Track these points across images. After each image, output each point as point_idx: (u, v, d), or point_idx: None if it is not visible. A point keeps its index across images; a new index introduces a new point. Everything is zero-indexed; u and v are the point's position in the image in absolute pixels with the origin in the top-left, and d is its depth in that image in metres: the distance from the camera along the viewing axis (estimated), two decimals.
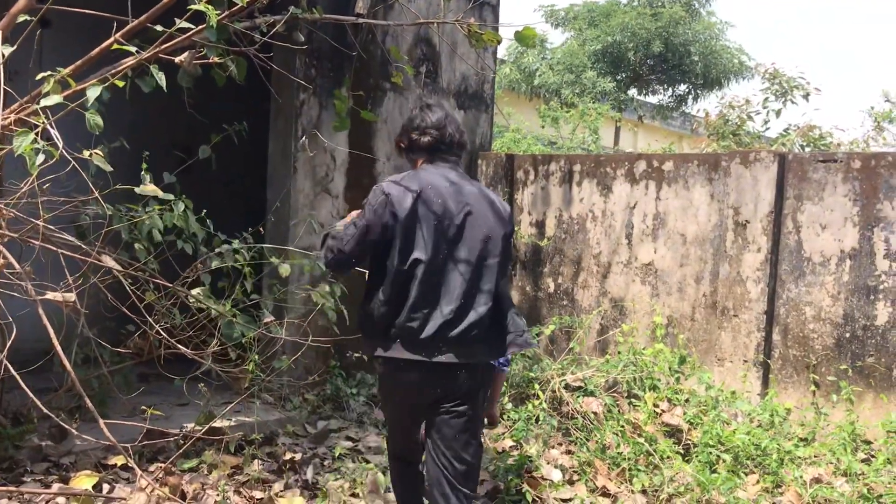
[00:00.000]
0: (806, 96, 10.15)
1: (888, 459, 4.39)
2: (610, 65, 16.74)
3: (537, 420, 4.69)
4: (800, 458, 4.52)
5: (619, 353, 5.81)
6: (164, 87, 3.11)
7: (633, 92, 17.94)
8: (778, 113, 10.45)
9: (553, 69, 16.07)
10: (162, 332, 3.65)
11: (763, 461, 4.44)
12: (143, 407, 3.82)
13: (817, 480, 4.23)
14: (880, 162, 5.19)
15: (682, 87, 18.04)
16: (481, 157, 7.08)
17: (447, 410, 2.92)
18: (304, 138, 5.44)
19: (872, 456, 4.65)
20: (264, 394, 5.03)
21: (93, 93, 2.86)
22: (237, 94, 5.77)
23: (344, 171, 5.92)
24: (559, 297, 6.65)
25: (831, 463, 4.45)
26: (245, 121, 4.87)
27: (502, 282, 3.03)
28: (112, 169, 3.07)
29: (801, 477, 4.25)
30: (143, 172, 3.66)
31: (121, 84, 3.03)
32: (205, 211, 4.24)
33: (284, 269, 4.60)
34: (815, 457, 4.54)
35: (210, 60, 3.46)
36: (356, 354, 5.21)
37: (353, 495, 3.80)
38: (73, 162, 2.74)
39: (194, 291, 4.26)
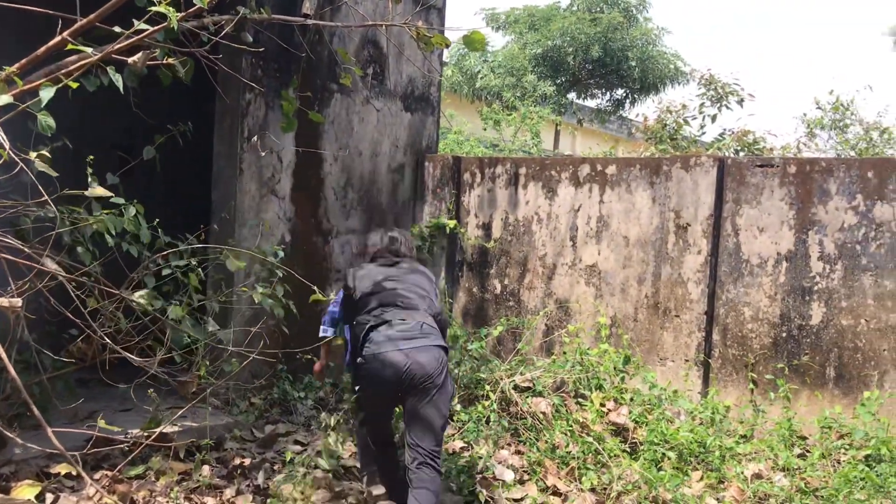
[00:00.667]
0: (740, 102, 10.44)
1: (822, 454, 4.56)
2: (550, 68, 16.95)
3: (487, 421, 4.73)
4: (740, 454, 4.66)
5: (564, 353, 5.90)
6: (121, 88, 3.04)
7: (572, 96, 18.20)
8: (713, 118, 10.72)
9: (494, 72, 16.20)
10: (105, 338, 3.56)
11: (706, 458, 4.57)
12: (93, 412, 3.71)
13: (758, 476, 4.36)
14: (815, 167, 5.38)
15: (620, 92, 18.39)
16: (428, 159, 7.10)
17: None
18: (255, 138, 5.37)
19: (808, 451, 4.82)
20: (211, 398, 4.95)
21: (46, 94, 2.78)
22: (178, 95, 5.68)
23: (290, 172, 5.87)
24: (505, 299, 6.72)
25: (770, 458, 4.60)
26: (187, 122, 4.80)
27: None
28: (57, 174, 2.99)
29: (742, 473, 4.39)
30: (89, 175, 3.57)
31: (75, 85, 2.95)
32: (145, 213, 4.15)
33: (234, 265, 4.54)
34: (754, 453, 4.69)
35: (163, 62, 3.38)
36: (306, 357, 5.17)
37: (305, 499, 3.77)
38: (20, 163, 2.65)
39: (137, 295, 4.17)
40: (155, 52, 3.45)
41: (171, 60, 3.38)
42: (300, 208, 5.96)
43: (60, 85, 2.87)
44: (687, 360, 5.72)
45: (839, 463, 4.53)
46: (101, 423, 3.44)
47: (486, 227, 6.85)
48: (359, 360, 3.63)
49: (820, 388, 5.25)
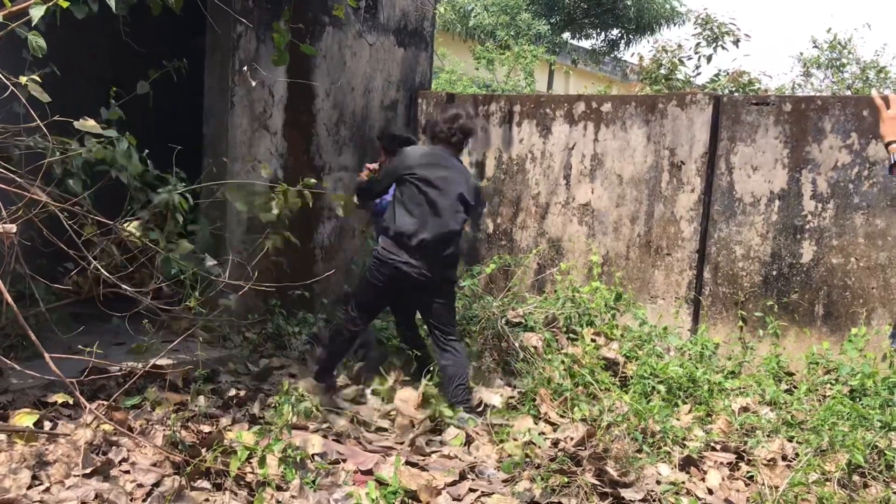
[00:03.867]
0: (736, 42, 10.36)
1: (809, 389, 4.65)
2: (545, 7, 16.68)
3: (479, 356, 4.77)
4: (728, 388, 4.74)
5: (556, 291, 5.94)
6: (114, 7, 2.97)
7: (566, 36, 17.95)
8: (709, 59, 10.65)
9: (488, 10, 15.93)
10: (101, 269, 3.56)
11: (695, 392, 4.64)
12: (80, 347, 3.73)
13: (745, 409, 4.45)
14: (810, 106, 5.36)
15: (615, 32, 18.14)
16: (421, 96, 7.02)
17: None
18: (244, 68, 5.29)
19: (795, 387, 4.91)
20: (203, 332, 4.97)
21: (36, 12, 2.72)
22: (164, 27, 5.58)
23: (283, 107, 5.80)
24: (498, 238, 6.73)
25: (758, 393, 4.69)
26: (176, 56, 4.71)
27: None
28: (49, 99, 2.94)
29: (729, 406, 4.47)
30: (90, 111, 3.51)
31: (65, 3, 2.88)
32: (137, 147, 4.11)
33: (236, 199, 4.54)
34: (742, 388, 4.76)
35: None
36: (299, 292, 5.19)
37: (298, 427, 3.82)
38: (11, 86, 2.61)
39: (130, 226, 4.16)
40: None
41: None
42: (292, 144, 5.91)
43: (51, 3, 2.80)
44: (678, 298, 5.77)
45: (825, 397, 4.62)
46: (96, 352, 3.46)
47: (480, 166, 6.82)
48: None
49: (808, 326, 5.32)
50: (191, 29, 5.62)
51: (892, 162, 2.69)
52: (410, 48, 6.95)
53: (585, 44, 18.95)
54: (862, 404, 4.20)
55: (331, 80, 6.15)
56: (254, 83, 5.27)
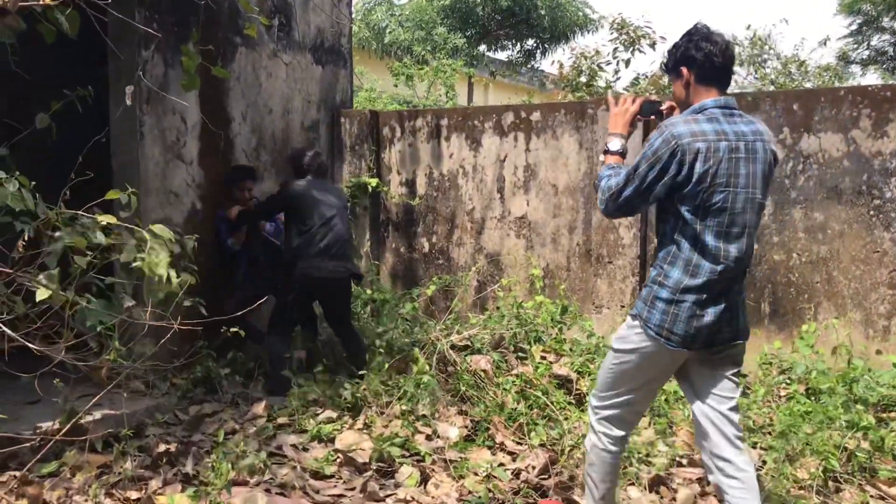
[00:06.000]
0: (653, 45, 10.38)
1: (766, 391, 4.54)
2: (459, 20, 16.61)
3: (424, 385, 4.50)
4: (683, 396, 4.58)
5: (498, 308, 5.73)
6: None
7: (482, 48, 17.92)
8: (627, 63, 10.65)
9: (403, 26, 15.77)
10: (3, 326, 3.16)
11: (651, 404, 4.47)
12: None
13: None
14: (739, 103, 5.29)
15: (530, 42, 18.21)
16: (344, 115, 6.75)
17: None
18: (130, 87, 4.93)
19: (749, 388, 4.80)
20: (128, 382, 4.57)
21: None
22: (66, 59, 5.19)
23: (197, 134, 5.44)
24: (434, 257, 6.49)
25: None
26: (82, 85, 4.33)
27: None
28: None
29: (689, 415, 4.31)
30: None
31: None
32: (34, 186, 3.72)
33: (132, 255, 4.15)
34: None
35: (40, 1, 2.96)
36: (230, 330, 4.83)
37: (238, 483, 3.49)
38: None
39: (41, 276, 3.76)
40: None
41: (49, 1, 2.95)
42: (210, 173, 5.55)
43: None
44: (623, 306, 5.63)
45: (780, 398, 4.52)
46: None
47: (410, 184, 6.58)
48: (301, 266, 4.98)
49: (756, 326, 5.23)
50: (95, 56, 5.23)
51: (605, 149, 2.88)
52: (329, 66, 6.67)
53: (501, 55, 18.99)
54: (822, 403, 4.10)
55: (246, 103, 5.82)
56: (157, 116, 4.90)
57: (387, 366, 4.71)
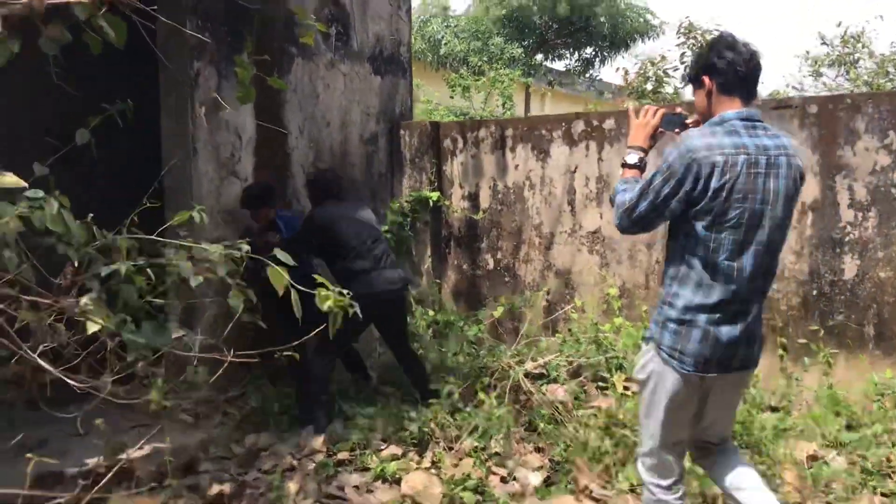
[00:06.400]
0: None
1: (884, 429, 4.03)
2: (516, 30, 16.27)
3: (497, 419, 4.11)
4: (785, 430, 4.12)
5: (570, 331, 5.33)
6: (43, 47, 2.34)
7: (539, 57, 17.54)
8: None
9: (458, 37, 15.48)
10: (38, 359, 2.89)
11: (749, 439, 4.02)
12: (43, 440, 3.05)
13: (813, 457, 3.82)
14: (839, 105, 4.82)
15: (589, 50, 17.75)
16: (403, 126, 6.43)
17: None
18: (200, 107, 4.69)
19: (854, 422, 4.29)
20: (179, 412, 4.30)
21: None
22: (118, 72, 4.98)
23: (252, 149, 5.18)
24: (500, 274, 6.11)
25: (819, 434, 4.07)
26: (133, 99, 4.09)
27: None
28: None
29: (792, 453, 3.85)
30: None
31: None
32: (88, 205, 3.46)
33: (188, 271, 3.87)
34: (799, 429, 4.15)
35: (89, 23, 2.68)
36: (285, 355, 4.52)
37: None
38: None
39: (83, 301, 3.49)
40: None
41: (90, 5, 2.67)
42: None
43: None
44: None
45: None
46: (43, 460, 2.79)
47: (473, 198, 6.23)
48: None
49: (860, 350, 4.73)
50: (148, 69, 5.01)
51: (623, 162, 2.78)
52: (388, 76, 6.37)
53: (559, 65, 18.57)
54: None
55: (304, 116, 5.54)
56: (212, 130, 4.64)
57: (456, 395, 4.34)
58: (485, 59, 14.78)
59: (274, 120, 5.31)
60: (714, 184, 2.43)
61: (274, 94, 5.25)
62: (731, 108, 2.55)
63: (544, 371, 4.53)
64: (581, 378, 4.52)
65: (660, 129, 2.77)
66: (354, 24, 6.01)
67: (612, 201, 2.71)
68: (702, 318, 2.50)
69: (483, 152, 6.16)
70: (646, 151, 2.75)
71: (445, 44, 15.64)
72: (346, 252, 4.62)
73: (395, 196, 6.38)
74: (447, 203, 6.29)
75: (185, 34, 4.59)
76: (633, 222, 2.60)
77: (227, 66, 4.91)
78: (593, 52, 17.71)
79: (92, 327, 3.15)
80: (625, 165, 2.76)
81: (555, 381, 4.46)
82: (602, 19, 16.25)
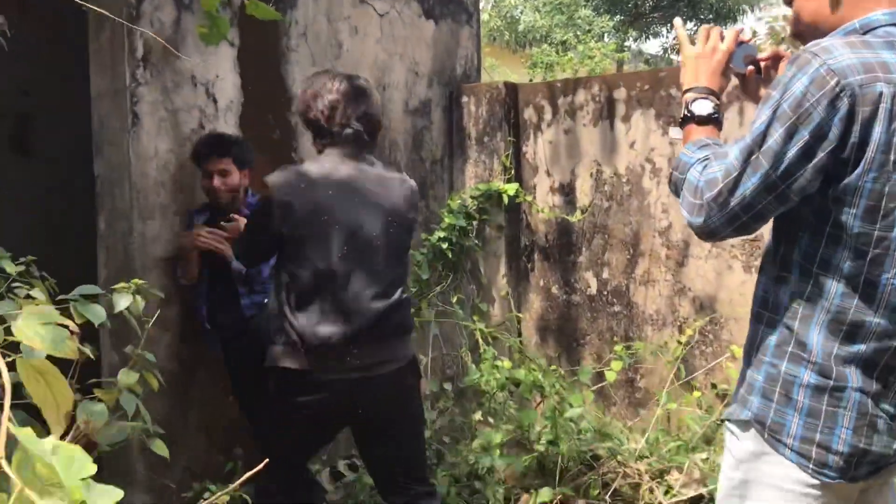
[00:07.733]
0: None
1: None
2: (606, 2, 14.28)
3: None
4: None
5: (719, 395, 3.42)
6: None
7: (632, 35, 15.52)
8: None
9: (539, 11, 13.60)
10: None
11: None
12: None
13: None
14: None
15: (690, 25, 15.60)
16: (467, 92, 4.60)
17: None
18: (148, 52, 2.99)
19: None
20: None
21: None
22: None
23: (234, 119, 3.45)
24: (606, 302, 4.21)
25: None
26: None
27: None
28: None
29: None
30: None
31: None
32: None
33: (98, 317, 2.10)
34: None
35: None
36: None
37: None
38: None
39: None
40: None
41: None
42: (259, 179, 3.54)
43: None
44: None
45: None
46: None
47: (567, 191, 4.35)
48: None
49: None
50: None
51: (684, 115, 1.63)
52: (445, 20, 4.55)
53: (654, 45, 16.50)
54: None
55: (316, 67, 3.77)
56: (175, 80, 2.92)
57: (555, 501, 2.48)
58: (570, 34, 12.87)
59: (269, 77, 3.56)
60: (879, 133, 1.30)
61: (269, 38, 3.52)
62: (878, 7, 1.42)
63: (703, 492, 2.61)
64: None
65: (731, 65, 1.71)
66: None
67: (673, 184, 1.58)
68: (854, 382, 1.38)
69: (581, 125, 4.27)
70: (718, 96, 1.66)
71: (525, 20, 13.79)
72: (307, 269, 2.38)
73: (455, 190, 4.55)
74: (530, 199, 4.42)
75: None
76: (728, 217, 1.43)
77: None
78: (694, 28, 15.57)
79: None
80: (690, 119, 1.61)
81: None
82: None
